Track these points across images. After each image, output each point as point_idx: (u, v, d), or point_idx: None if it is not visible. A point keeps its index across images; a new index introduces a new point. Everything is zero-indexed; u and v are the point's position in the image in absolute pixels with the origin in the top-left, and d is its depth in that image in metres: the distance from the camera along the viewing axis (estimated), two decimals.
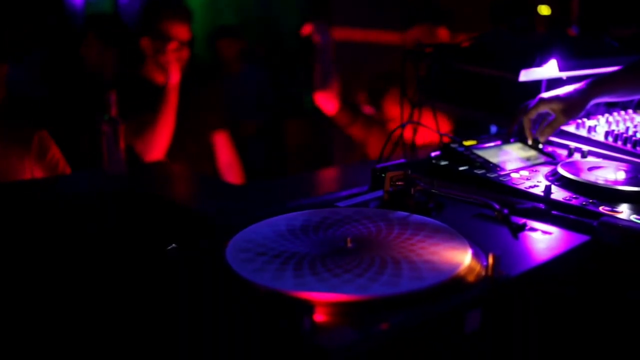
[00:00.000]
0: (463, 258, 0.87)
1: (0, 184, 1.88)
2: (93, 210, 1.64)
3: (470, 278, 0.84)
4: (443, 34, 2.74)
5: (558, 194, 1.18)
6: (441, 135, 1.60)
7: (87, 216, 1.62)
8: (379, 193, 1.21)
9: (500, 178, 1.27)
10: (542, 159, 1.44)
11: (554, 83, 1.56)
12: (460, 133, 1.85)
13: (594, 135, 1.52)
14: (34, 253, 1.50)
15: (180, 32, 2.69)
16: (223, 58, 4.36)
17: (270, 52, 5.20)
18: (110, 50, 3.11)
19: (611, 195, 1.17)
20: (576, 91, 1.44)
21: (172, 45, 2.51)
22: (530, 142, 1.50)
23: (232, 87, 4.24)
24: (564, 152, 1.48)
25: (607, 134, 1.50)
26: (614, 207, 1.12)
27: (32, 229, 1.53)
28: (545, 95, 1.46)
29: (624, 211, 1.11)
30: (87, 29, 3.24)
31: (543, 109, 1.45)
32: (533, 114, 1.47)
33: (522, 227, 1.03)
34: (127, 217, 1.67)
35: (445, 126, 2.16)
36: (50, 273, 1.48)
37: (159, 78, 2.66)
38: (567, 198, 1.16)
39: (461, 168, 1.33)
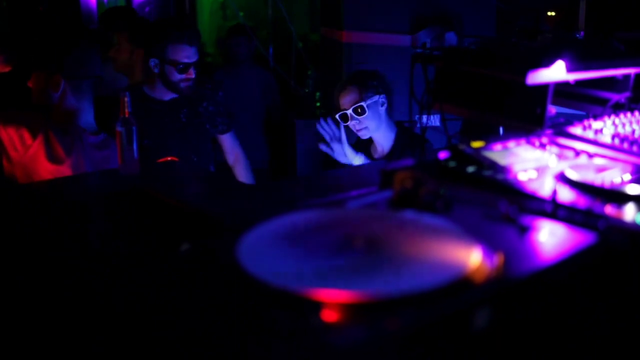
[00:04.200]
0: (471, 258, 0.89)
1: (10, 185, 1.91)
2: (102, 211, 1.66)
3: (478, 278, 0.86)
4: (451, 38, 2.75)
5: (565, 195, 1.20)
6: (449, 137, 1.61)
7: (96, 217, 1.64)
8: (388, 193, 1.23)
9: (508, 179, 1.28)
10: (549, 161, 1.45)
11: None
12: (469, 135, 1.86)
13: (600, 137, 1.53)
14: (42, 254, 1.51)
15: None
16: (233, 56, 4.35)
17: (281, 54, 5.22)
18: (139, 52, 3.05)
19: (617, 197, 1.19)
20: None
21: None
22: None
23: (238, 85, 4.25)
24: (571, 154, 1.49)
25: (613, 136, 1.52)
26: (620, 209, 1.13)
27: (40, 230, 1.55)
28: None
29: (630, 213, 1.12)
30: (117, 31, 3.14)
31: None
32: None
33: (529, 228, 1.05)
34: (137, 216, 1.69)
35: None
36: (57, 274, 1.50)
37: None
38: (574, 199, 1.17)
39: (469, 169, 1.34)
